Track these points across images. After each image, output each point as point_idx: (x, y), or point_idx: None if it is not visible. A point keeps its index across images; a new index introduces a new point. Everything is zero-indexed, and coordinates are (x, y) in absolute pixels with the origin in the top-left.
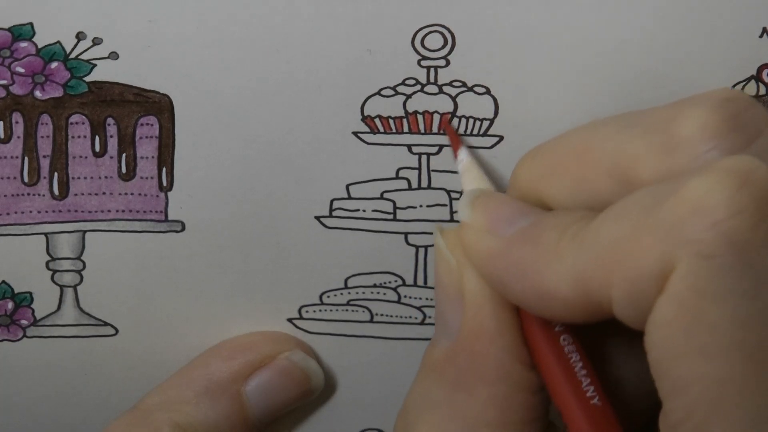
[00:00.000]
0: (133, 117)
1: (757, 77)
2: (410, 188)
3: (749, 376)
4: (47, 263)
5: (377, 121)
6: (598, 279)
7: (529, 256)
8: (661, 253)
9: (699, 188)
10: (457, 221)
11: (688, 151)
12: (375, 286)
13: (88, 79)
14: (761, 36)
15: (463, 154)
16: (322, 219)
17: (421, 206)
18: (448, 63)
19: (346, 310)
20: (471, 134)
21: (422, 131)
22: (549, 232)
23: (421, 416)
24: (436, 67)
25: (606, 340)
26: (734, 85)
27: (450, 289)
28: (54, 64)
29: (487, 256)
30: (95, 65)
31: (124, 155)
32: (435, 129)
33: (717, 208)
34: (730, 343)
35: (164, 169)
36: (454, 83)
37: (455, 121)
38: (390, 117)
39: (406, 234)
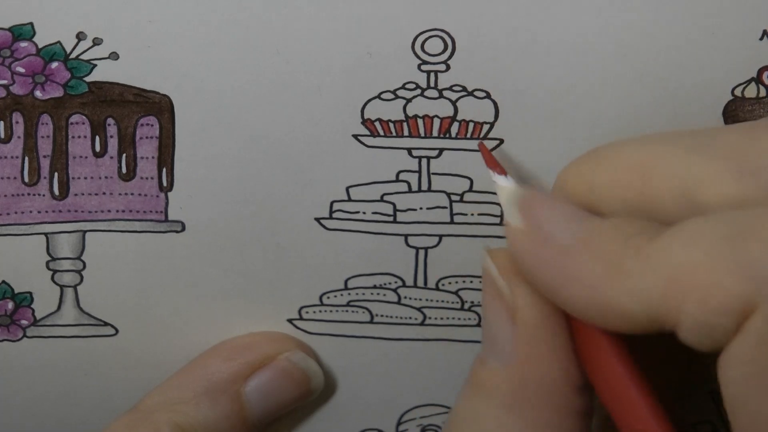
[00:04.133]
0: (134, 117)
1: (758, 79)
2: (410, 191)
3: None
4: (47, 263)
5: (377, 124)
6: (667, 301)
7: (589, 268)
8: (742, 292)
9: None
10: (464, 223)
11: (764, 179)
12: (375, 287)
13: (88, 79)
14: (761, 38)
15: (495, 177)
16: (322, 221)
17: (421, 209)
18: (448, 68)
19: (346, 311)
20: (471, 138)
21: (422, 135)
22: (611, 242)
23: None
24: (436, 72)
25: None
26: (734, 87)
27: (500, 312)
28: (54, 64)
29: (541, 265)
30: (95, 65)
31: (124, 155)
32: (435, 133)
33: None
34: None
35: (164, 170)
36: (454, 88)
37: (455, 124)
38: (390, 120)
39: (406, 236)
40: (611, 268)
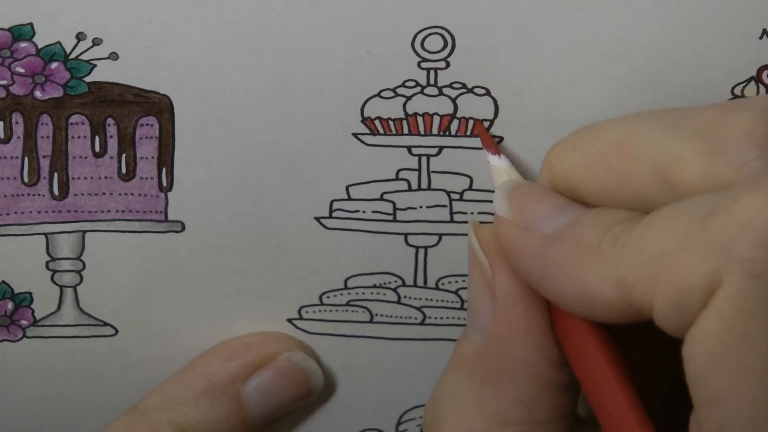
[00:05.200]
0: (133, 117)
1: (757, 78)
2: (410, 189)
3: None
4: (47, 263)
5: (377, 122)
6: (641, 285)
7: (569, 255)
8: (709, 269)
9: (750, 207)
10: (464, 222)
11: (733, 157)
12: (375, 286)
13: (88, 79)
14: (761, 37)
15: (490, 157)
16: (321, 220)
17: (421, 207)
18: (448, 65)
19: (346, 311)
20: (471, 135)
21: (422, 133)
22: (590, 231)
23: (449, 408)
24: (435, 69)
25: (626, 335)
26: (734, 87)
27: (482, 287)
28: (54, 65)
29: (524, 253)
30: (95, 65)
31: (124, 155)
32: (435, 130)
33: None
34: None
35: (164, 170)
36: (454, 85)
37: (455, 122)
38: (390, 118)
39: (405, 235)
40: (589, 256)
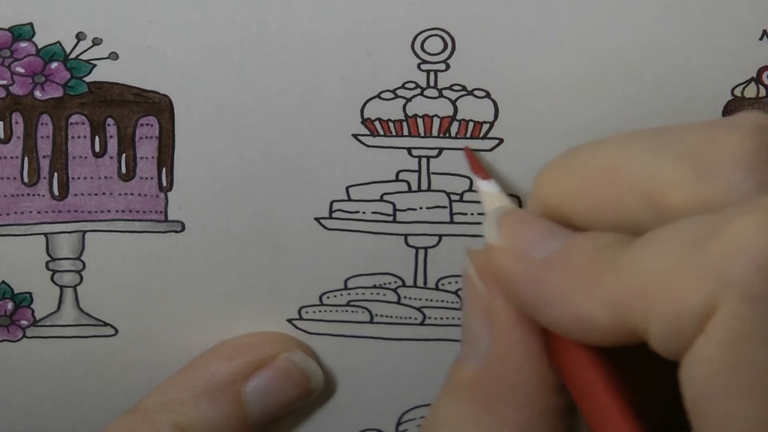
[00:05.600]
0: (133, 117)
1: (757, 79)
2: (410, 190)
3: None
4: (47, 263)
5: (377, 123)
6: (636, 309)
7: (562, 280)
8: (705, 293)
9: (744, 230)
10: (464, 223)
11: (721, 178)
12: (375, 287)
13: (88, 79)
14: (761, 38)
15: (480, 182)
16: (321, 220)
17: (420, 208)
18: (448, 67)
19: (346, 311)
20: (471, 137)
21: (422, 134)
22: (582, 255)
23: None
24: (435, 71)
25: (623, 357)
26: (734, 87)
27: (479, 312)
28: (54, 65)
29: (517, 280)
30: (95, 65)
31: (124, 155)
32: (435, 132)
33: (763, 252)
34: None
35: (164, 170)
36: (454, 87)
37: (454, 124)
38: (390, 120)
39: (405, 235)
40: (582, 280)
